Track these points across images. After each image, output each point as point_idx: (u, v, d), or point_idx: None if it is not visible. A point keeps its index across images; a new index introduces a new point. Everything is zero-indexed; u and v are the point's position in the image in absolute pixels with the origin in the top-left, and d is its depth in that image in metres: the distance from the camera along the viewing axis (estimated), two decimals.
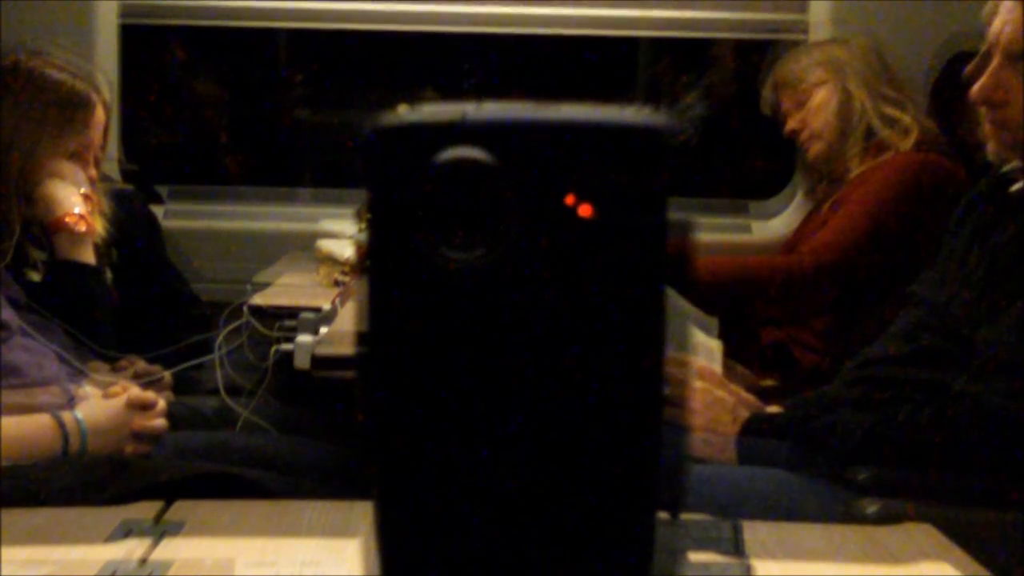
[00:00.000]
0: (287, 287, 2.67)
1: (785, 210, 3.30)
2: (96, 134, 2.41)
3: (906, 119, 2.78)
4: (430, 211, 0.59)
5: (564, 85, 3.70)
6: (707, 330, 2.21)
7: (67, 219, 2.32)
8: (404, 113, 0.60)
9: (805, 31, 3.21)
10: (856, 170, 2.79)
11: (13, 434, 1.90)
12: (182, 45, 3.84)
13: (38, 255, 2.35)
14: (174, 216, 3.27)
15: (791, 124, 2.91)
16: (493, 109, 0.60)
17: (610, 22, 3.34)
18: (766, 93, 2.98)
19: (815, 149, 2.87)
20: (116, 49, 3.20)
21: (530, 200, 0.59)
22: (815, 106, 2.84)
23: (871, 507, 1.62)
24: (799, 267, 2.67)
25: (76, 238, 2.35)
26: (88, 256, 2.38)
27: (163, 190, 3.37)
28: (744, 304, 2.79)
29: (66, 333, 2.25)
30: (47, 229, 2.34)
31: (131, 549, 1.05)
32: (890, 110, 2.79)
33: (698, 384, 1.92)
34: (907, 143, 2.75)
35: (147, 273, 2.69)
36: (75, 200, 2.34)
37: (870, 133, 2.79)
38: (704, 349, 2.15)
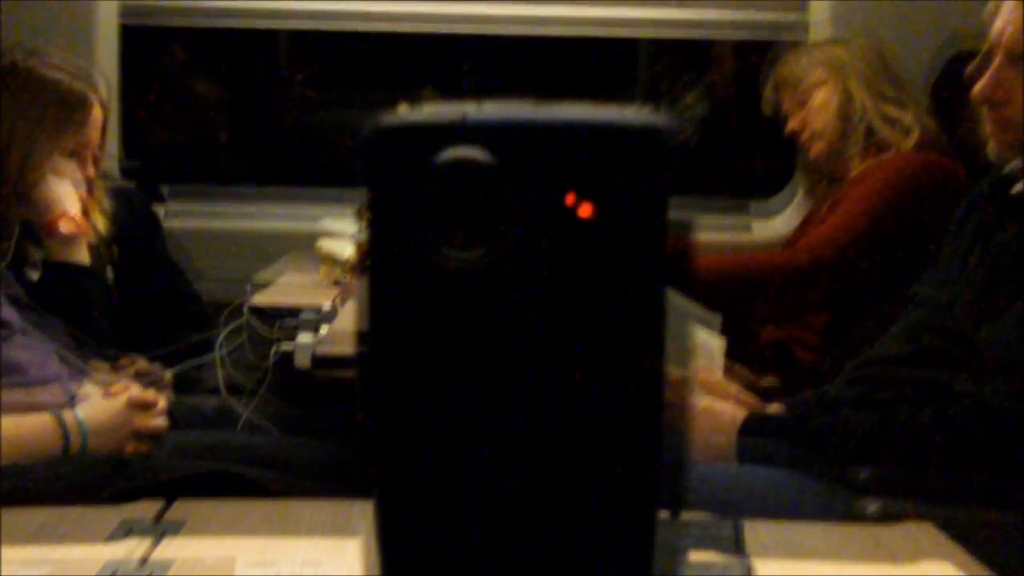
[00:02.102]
0: (287, 287, 2.67)
1: (785, 209, 3.30)
2: (94, 133, 2.41)
3: (907, 119, 2.78)
4: (430, 211, 0.59)
5: (564, 85, 3.69)
6: (709, 326, 2.20)
7: (61, 220, 2.32)
8: (404, 113, 0.60)
9: (805, 31, 3.21)
10: (856, 169, 2.79)
11: (14, 433, 1.90)
12: (182, 45, 3.84)
13: (37, 254, 2.35)
14: (174, 215, 3.27)
15: (792, 124, 2.90)
16: (493, 109, 0.60)
17: (610, 22, 3.34)
18: (767, 93, 2.98)
19: (816, 149, 2.87)
20: (116, 49, 3.20)
21: (530, 200, 0.59)
22: (816, 106, 2.84)
23: (871, 506, 1.62)
24: (796, 263, 2.67)
25: (70, 239, 2.35)
26: (82, 257, 2.38)
27: (163, 189, 3.37)
28: (741, 301, 2.78)
29: (67, 332, 2.25)
30: (42, 230, 2.34)
31: (131, 548, 1.06)
32: (891, 110, 2.79)
33: (697, 392, 1.93)
34: (908, 143, 2.75)
35: (148, 271, 2.68)
36: (70, 201, 2.34)
37: (870, 133, 2.79)
38: (705, 349, 2.15)
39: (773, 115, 2.97)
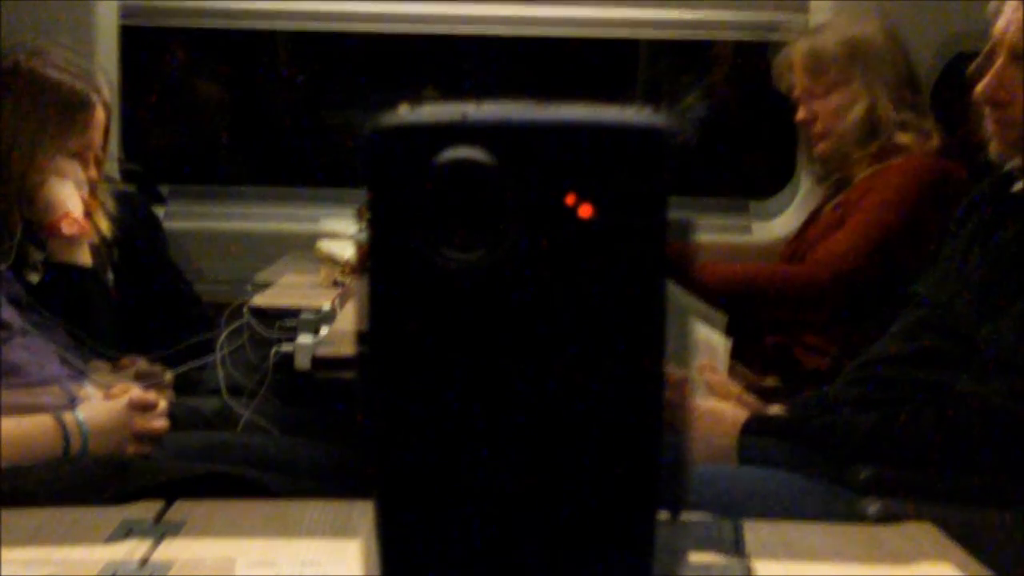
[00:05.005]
0: (288, 287, 2.67)
1: (785, 210, 3.29)
2: (96, 135, 2.41)
3: (926, 125, 2.71)
4: (430, 211, 0.59)
5: (564, 86, 3.69)
6: (714, 325, 2.19)
7: (63, 221, 2.32)
8: (404, 113, 0.60)
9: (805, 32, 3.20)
10: (864, 172, 2.73)
11: (14, 435, 1.90)
12: (182, 46, 3.84)
13: (38, 256, 2.35)
14: (174, 216, 3.27)
15: (804, 113, 2.77)
16: (493, 109, 0.60)
17: (610, 22, 3.34)
18: (781, 70, 2.82)
19: (823, 147, 2.76)
20: (116, 50, 3.20)
21: (530, 200, 0.59)
22: (837, 107, 2.69)
23: (872, 507, 1.62)
24: (818, 279, 2.61)
25: (71, 240, 2.34)
26: (83, 258, 2.38)
27: (163, 190, 3.37)
28: (758, 312, 2.74)
29: (67, 333, 2.25)
30: (43, 231, 2.34)
31: (132, 549, 1.06)
32: (910, 116, 2.71)
33: (700, 387, 1.93)
34: (924, 148, 2.69)
35: (148, 273, 2.68)
36: (72, 202, 2.34)
37: (888, 139, 2.71)
38: (707, 346, 2.14)
39: (785, 93, 2.85)
